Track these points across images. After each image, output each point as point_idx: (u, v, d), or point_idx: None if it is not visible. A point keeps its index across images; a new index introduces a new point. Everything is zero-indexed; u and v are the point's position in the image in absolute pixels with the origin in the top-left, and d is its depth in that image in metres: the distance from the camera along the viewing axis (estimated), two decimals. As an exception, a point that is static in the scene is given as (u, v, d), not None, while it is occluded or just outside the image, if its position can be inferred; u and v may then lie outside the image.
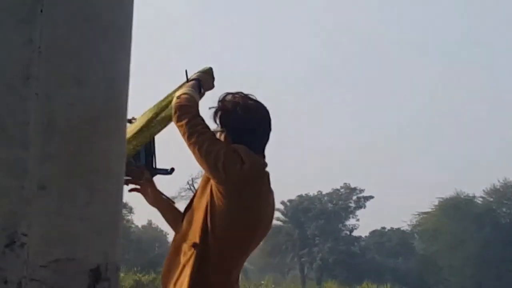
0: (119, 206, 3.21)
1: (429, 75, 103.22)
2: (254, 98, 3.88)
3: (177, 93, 3.82)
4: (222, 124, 3.87)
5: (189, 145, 3.63)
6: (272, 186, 3.89)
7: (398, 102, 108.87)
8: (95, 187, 2.91)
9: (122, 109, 3.24)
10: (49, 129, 2.79)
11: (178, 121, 3.69)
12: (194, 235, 3.69)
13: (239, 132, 3.79)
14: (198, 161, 3.63)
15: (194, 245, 3.64)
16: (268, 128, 3.93)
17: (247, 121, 3.78)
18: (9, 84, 2.76)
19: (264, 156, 3.86)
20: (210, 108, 3.97)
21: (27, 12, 2.81)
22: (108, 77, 3.07)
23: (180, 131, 3.70)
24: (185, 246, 3.73)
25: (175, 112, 3.69)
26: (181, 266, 3.73)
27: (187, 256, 3.71)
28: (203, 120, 3.73)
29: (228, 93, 3.92)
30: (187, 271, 3.66)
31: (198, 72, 4.11)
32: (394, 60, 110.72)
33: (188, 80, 3.98)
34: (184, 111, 3.66)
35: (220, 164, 3.52)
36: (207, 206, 3.64)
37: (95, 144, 2.94)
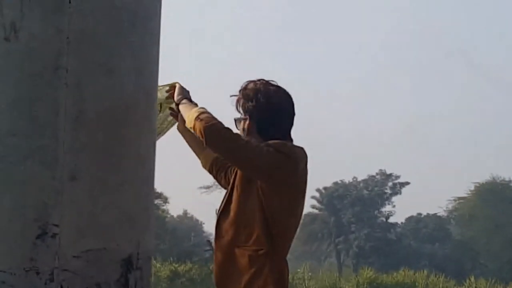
0: (151, 194, 3.20)
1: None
2: (275, 83, 3.86)
3: (190, 116, 3.77)
4: (244, 112, 3.86)
5: (235, 158, 3.62)
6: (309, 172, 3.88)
7: (435, 89, 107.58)
8: (126, 176, 2.90)
9: (152, 97, 3.23)
10: (79, 118, 2.79)
11: (214, 139, 3.65)
12: (256, 241, 3.67)
13: (262, 119, 3.78)
14: (244, 166, 3.62)
15: (266, 254, 3.64)
16: (292, 112, 3.90)
17: (269, 107, 3.76)
18: (39, 74, 2.76)
19: (291, 140, 3.86)
20: (231, 96, 3.96)
21: (55, 2, 2.81)
22: (137, 66, 3.06)
23: (219, 149, 3.68)
24: (245, 253, 3.70)
25: (208, 132, 3.65)
26: (249, 273, 3.70)
27: (256, 263, 3.68)
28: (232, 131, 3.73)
29: (249, 81, 3.91)
30: (267, 279, 3.64)
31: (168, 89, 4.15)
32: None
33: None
34: (216, 127, 3.63)
35: (269, 166, 3.53)
36: (263, 208, 3.63)
37: (125, 133, 2.94)
